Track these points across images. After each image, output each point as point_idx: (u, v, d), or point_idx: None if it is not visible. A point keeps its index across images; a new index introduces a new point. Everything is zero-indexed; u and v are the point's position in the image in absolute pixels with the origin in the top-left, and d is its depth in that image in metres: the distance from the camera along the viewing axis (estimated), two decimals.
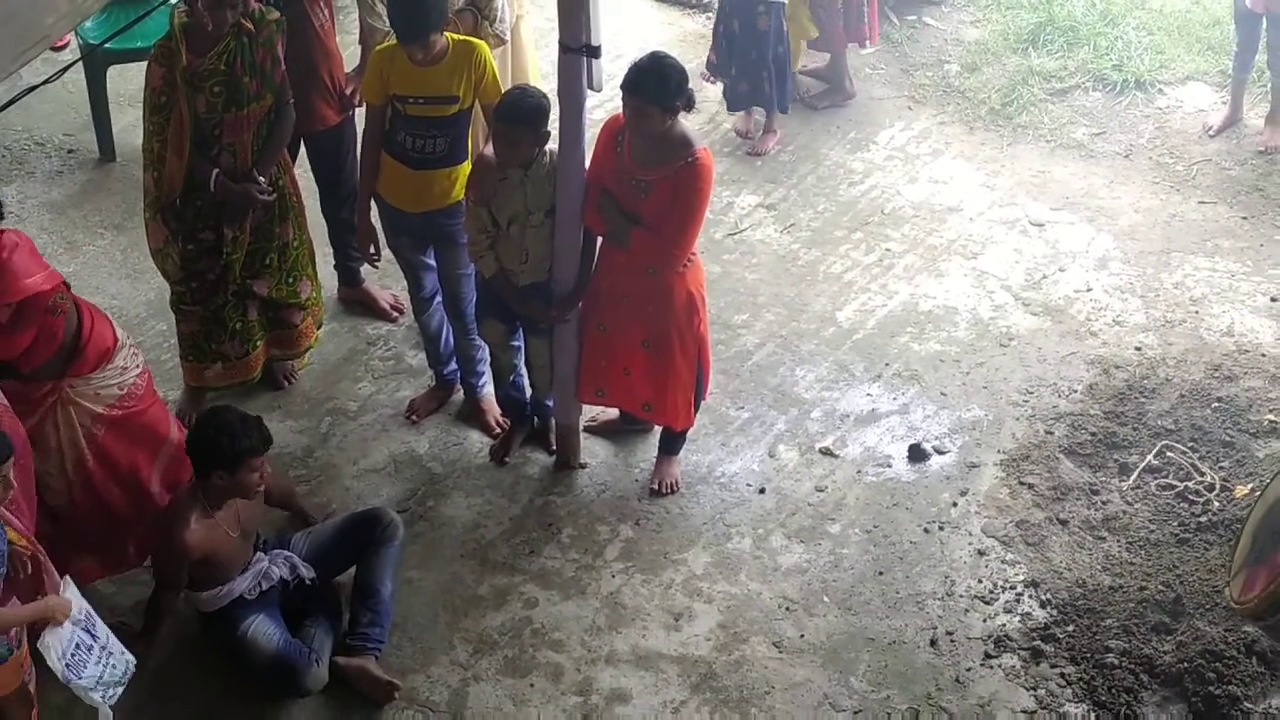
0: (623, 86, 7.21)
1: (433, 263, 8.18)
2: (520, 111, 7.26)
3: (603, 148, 7.47)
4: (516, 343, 8.05)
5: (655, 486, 8.20)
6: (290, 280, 8.31)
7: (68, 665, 6.25)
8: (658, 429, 8.28)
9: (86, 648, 6.38)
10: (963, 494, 8.11)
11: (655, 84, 7.16)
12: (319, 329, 8.71)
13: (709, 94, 10.86)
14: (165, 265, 8.11)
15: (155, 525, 7.14)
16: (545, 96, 7.39)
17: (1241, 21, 10.34)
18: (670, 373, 7.81)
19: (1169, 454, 8.21)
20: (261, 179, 7.91)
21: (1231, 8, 10.59)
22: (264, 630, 7.04)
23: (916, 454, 8.35)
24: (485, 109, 7.71)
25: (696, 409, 8.07)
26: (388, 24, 8.23)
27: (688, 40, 11.75)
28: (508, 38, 8.70)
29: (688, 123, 7.39)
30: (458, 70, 7.67)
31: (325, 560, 7.35)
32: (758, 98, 10.54)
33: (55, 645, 6.24)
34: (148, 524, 7.37)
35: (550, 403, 8.24)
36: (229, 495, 6.92)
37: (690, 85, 7.26)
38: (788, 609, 7.55)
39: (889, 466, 8.29)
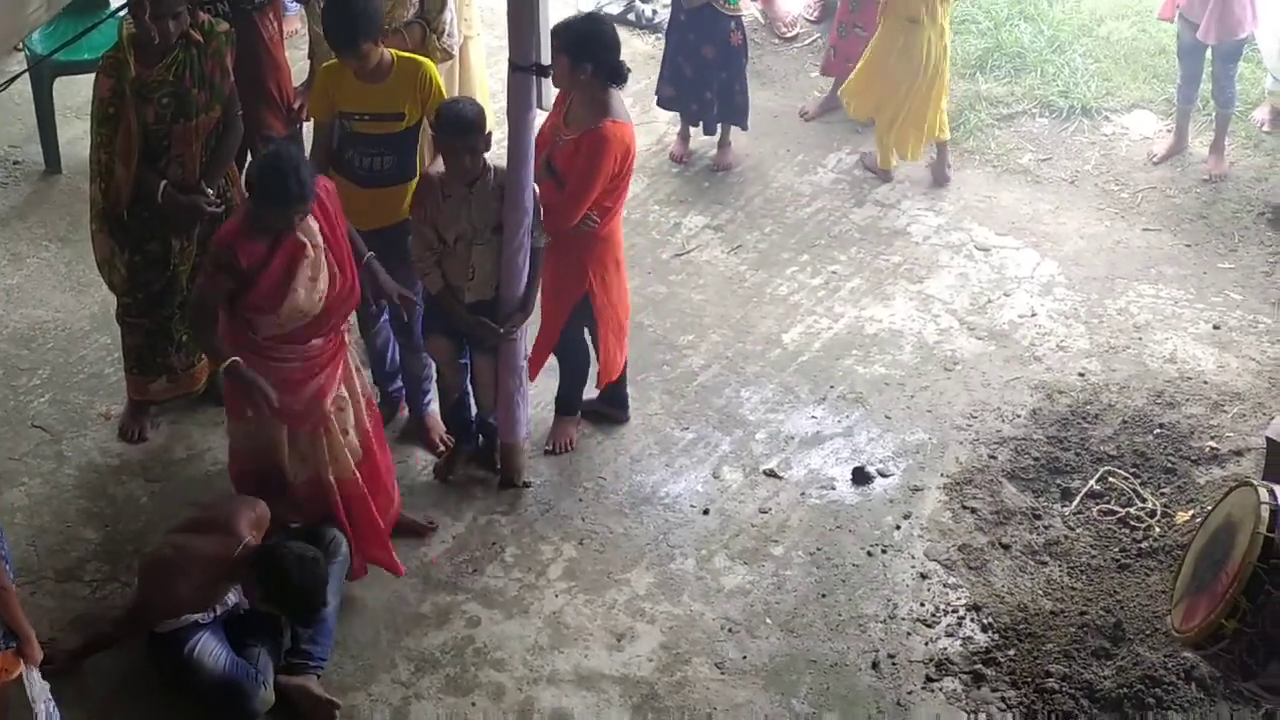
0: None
1: None
2: (460, 122, 7.32)
3: (555, 107, 7.75)
4: (463, 360, 8.05)
5: (550, 447, 8.42)
6: None
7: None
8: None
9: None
10: (906, 517, 8.13)
11: (571, 34, 7.45)
12: None
13: (658, 113, 10.85)
14: (111, 277, 8.07)
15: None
16: (475, 102, 7.56)
17: (1185, 55, 10.41)
18: (547, 324, 8.20)
19: (1111, 480, 8.25)
20: (209, 190, 7.89)
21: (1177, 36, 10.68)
22: (210, 649, 6.98)
23: (860, 477, 8.36)
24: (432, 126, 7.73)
25: (570, 370, 8.42)
26: None
27: (637, 60, 11.72)
28: (455, 52, 8.71)
29: (620, 98, 7.69)
30: (404, 87, 7.68)
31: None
32: (729, 114, 10.52)
33: (38, 683, 6.47)
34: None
35: (494, 421, 8.23)
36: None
37: (621, 60, 7.60)
38: (730, 630, 7.55)
39: (833, 489, 8.30)
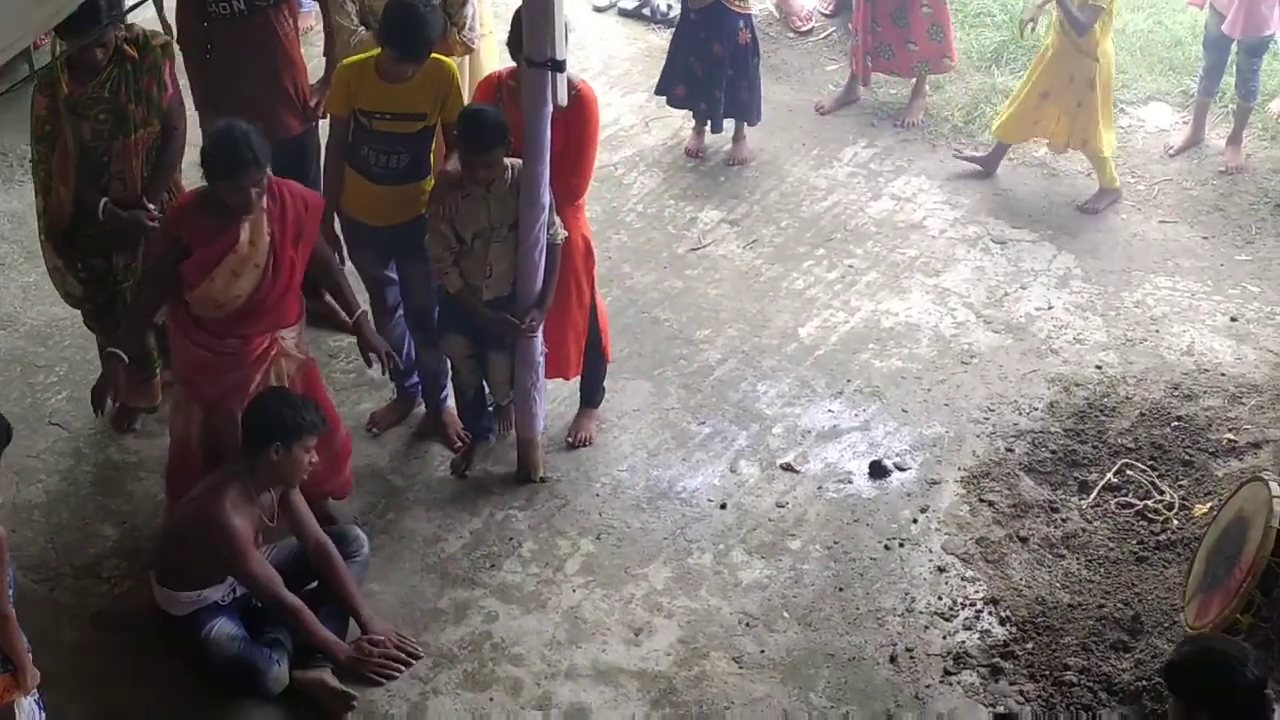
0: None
1: (394, 276, 8.16)
2: (488, 133, 7.29)
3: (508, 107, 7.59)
4: (478, 357, 8.04)
5: (571, 439, 8.47)
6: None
7: None
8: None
9: None
10: (923, 511, 8.12)
11: (512, 34, 7.43)
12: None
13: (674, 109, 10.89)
14: (64, 286, 8.01)
15: (191, 517, 7.04)
16: (500, 111, 7.43)
17: (1211, 46, 10.39)
18: (566, 320, 8.03)
19: (1129, 472, 8.24)
20: (151, 206, 7.81)
21: (1194, 29, 10.66)
22: (226, 632, 7.05)
23: (877, 470, 8.36)
24: (447, 127, 7.72)
25: (593, 361, 8.35)
26: (356, 22, 8.24)
27: (652, 55, 11.75)
28: (476, 45, 8.71)
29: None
30: (427, 88, 7.68)
31: (290, 574, 7.30)
32: (735, 110, 10.56)
33: (27, 709, 6.44)
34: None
35: (505, 403, 8.31)
36: (274, 480, 7.00)
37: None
38: (748, 625, 7.55)
39: (850, 483, 8.30)
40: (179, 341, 7.33)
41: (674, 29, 10.84)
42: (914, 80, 11.13)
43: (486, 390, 8.25)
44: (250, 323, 7.20)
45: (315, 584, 7.33)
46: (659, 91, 10.72)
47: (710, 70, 10.31)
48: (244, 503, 6.94)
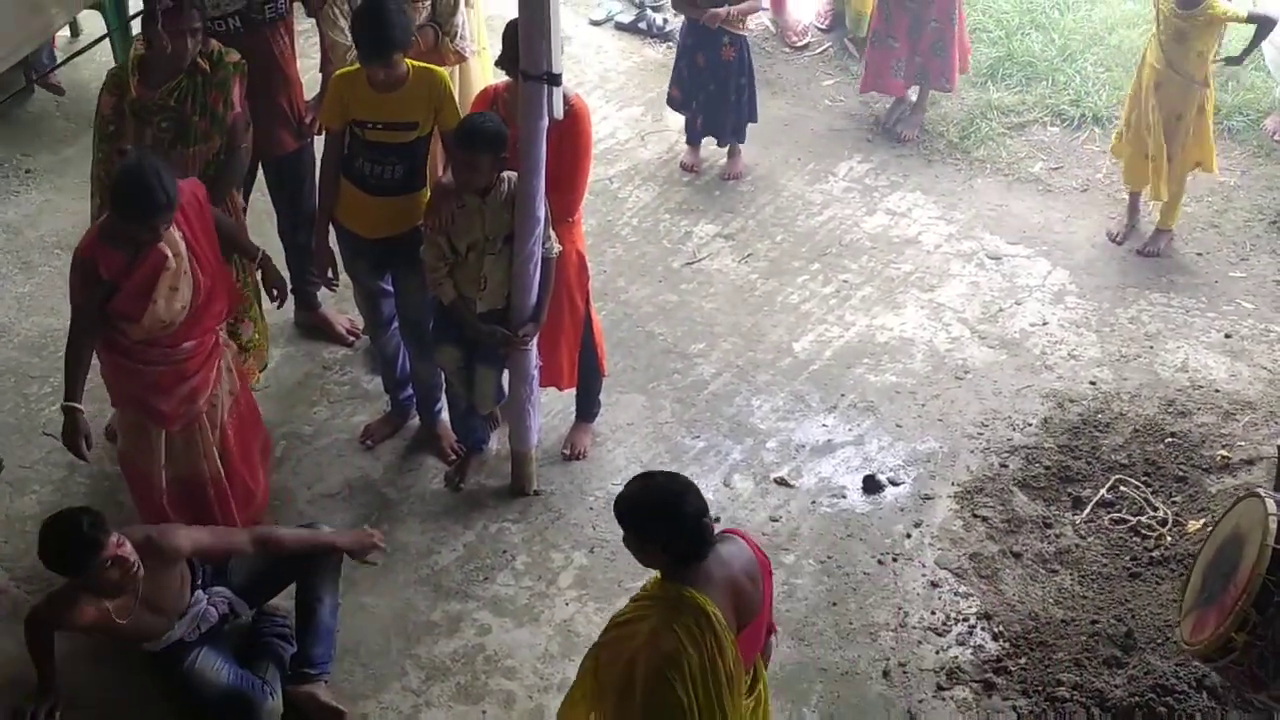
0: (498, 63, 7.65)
1: (390, 288, 8.16)
2: (480, 137, 7.27)
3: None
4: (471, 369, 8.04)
5: (566, 451, 8.50)
6: (230, 322, 8.19)
7: None
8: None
9: None
10: (917, 526, 8.12)
11: (508, 47, 7.44)
12: (261, 370, 8.62)
13: (669, 122, 10.92)
14: None
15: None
16: (502, 121, 7.40)
17: None
18: (559, 332, 8.04)
19: (1122, 488, 8.24)
20: None
21: None
22: (211, 664, 6.98)
23: (871, 485, 8.36)
24: (444, 136, 7.71)
25: (588, 374, 8.40)
26: (350, 38, 8.24)
27: (649, 69, 11.77)
28: (469, 54, 8.71)
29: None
30: (418, 96, 7.67)
31: (264, 579, 7.25)
32: (715, 128, 10.59)
33: None
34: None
35: (485, 414, 8.30)
36: (100, 595, 6.73)
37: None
38: None
39: (844, 497, 8.30)
40: (124, 370, 7.20)
41: (674, 40, 10.95)
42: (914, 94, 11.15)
43: None
44: (202, 323, 7.17)
45: (298, 600, 7.31)
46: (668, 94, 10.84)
47: (695, 79, 10.38)
48: (94, 604, 6.73)
